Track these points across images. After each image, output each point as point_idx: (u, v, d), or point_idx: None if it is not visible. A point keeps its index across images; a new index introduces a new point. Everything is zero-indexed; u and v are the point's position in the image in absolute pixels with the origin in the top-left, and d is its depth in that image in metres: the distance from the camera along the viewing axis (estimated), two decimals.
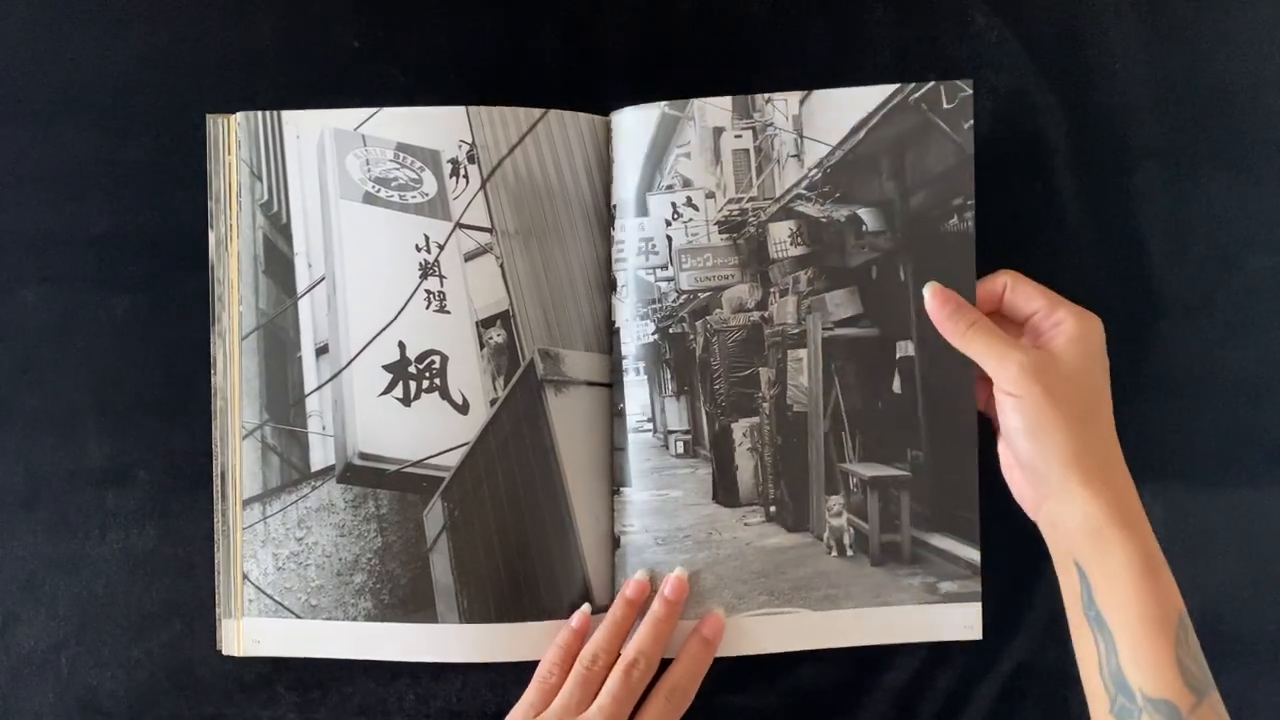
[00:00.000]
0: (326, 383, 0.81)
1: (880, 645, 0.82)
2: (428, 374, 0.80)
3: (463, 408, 0.81)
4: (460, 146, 0.81)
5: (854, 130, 0.81)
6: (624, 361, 0.82)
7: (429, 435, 0.80)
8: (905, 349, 0.81)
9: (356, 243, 0.81)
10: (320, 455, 0.80)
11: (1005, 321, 0.78)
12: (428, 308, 0.81)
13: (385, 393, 0.80)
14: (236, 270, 0.82)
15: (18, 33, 0.85)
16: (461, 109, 0.81)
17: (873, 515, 0.81)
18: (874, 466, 0.81)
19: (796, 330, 0.82)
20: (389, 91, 0.85)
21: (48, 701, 0.84)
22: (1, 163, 0.84)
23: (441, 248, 0.81)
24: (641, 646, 0.77)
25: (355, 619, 0.80)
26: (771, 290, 0.82)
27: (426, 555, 0.80)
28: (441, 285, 0.81)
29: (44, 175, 0.84)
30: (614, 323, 0.83)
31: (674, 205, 0.82)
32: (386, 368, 0.80)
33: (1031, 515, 0.77)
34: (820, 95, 0.81)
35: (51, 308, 0.84)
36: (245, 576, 0.81)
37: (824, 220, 0.81)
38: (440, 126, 0.81)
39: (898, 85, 0.80)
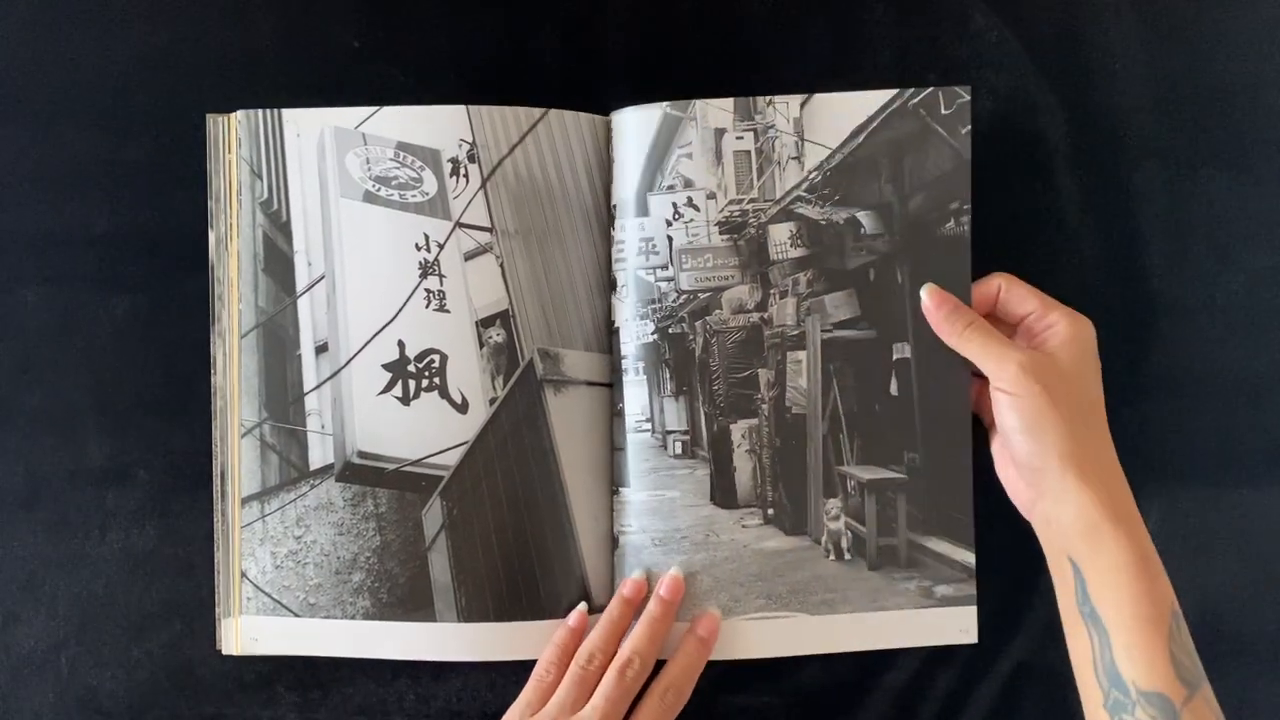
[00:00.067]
0: (326, 381, 0.81)
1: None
2: (427, 373, 0.80)
3: (462, 407, 0.81)
4: (460, 146, 0.81)
5: (853, 134, 0.81)
6: (623, 361, 0.82)
7: (428, 434, 0.80)
8: (902, 351, 0.81)
9: (356, 241, 0.81)
10: (319, 454, 0.81)
11: (998, 323, 0.79)
12: (427, 307, 0.81)
13: (384, 391, 0.80)
14: (236, 269, 0.82)
15: (18, 33, 0.85)
16: (462, 108, 0.81)
17: (870, 518, 0.81)
18: (871, 469, 0.81)
19: (796, 332, 0.82)
20: (389, 91, 0.85)
21: (48, 701, 0.84)
22: (1, 163, 0.84)
23: (441, 247, 0.81)
24: (637, 646, 0.77)
25: (353, 617, 0.80)
26: (771, 291, 0.82)
27: (425, 554, 0.80)
28: (441, 284, 0.81)
29: (44, 175, 0.84)
30: (614, 323, 0.83)
31: (675, 205, 0.82)
32: (386, 366, 0.80)
33: (1025, 514, 0.77)
34: (821, 98, 0.81)
35: (51, 308, 0.84)
36: (243, 575, 0.81)
37: (823, 222, 0.82)
38: (440, 126, 0.81)
39: (897, 90, 0.80)
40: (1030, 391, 0.72)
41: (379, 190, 0.81)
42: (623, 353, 0.83)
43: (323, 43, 0.85)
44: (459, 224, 0.81)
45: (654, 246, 0.82)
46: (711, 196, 0.82)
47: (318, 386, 0.81)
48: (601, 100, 0.83)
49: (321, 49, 0.85)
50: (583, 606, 0.80)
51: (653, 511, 0.81)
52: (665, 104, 0.81)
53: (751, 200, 0.82)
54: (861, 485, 0.81)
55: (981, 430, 0.81)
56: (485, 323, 0.81)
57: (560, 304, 0.82)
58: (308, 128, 0.81)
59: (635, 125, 0.82)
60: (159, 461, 0.84)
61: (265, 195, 0.82)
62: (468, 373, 0.81)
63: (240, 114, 0.82)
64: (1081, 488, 0.71)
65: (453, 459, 0.80)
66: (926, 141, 0.81)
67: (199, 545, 0.83)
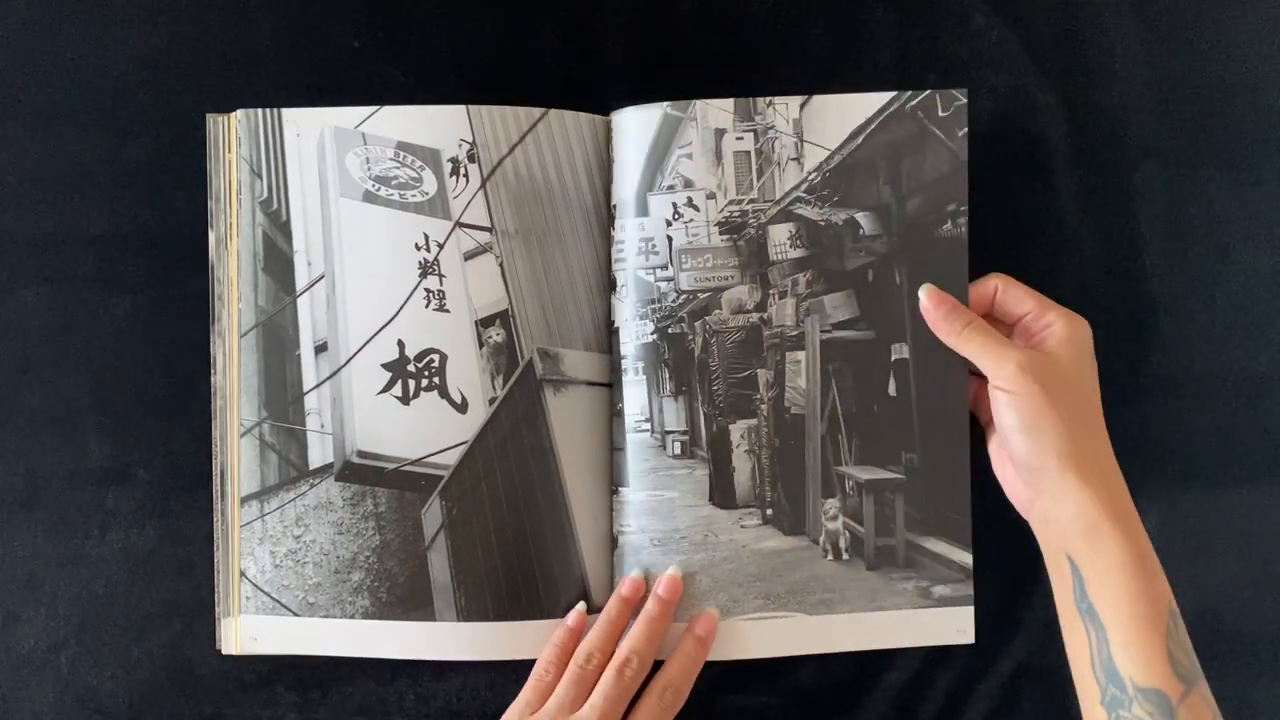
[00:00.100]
0: (325, 380, 0.81)
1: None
2: (427, 372, 0.80)
3: (461, 406, 0.81)
4: (460, 145, 0.81)
5: (852, 135, 0.81)
6: (623, 361, 0.82)
7: (427, 434, 0.80)
8: (900, 352, 0.81)
9: (356, 241, 0.81)
10: (318, 453, 0.80)
11: (995, 324, 0.79)
12: (427, 306, 0.81)
13: (384, 391, 0.80)
14: (236, 269, 0.82)
15: (18, 33, 0.85)
16: (462, 108, 0.81)
17: (868, 519, 0.82)
18: (870, 469, 0.81)
19: (795, 332, 0.82)
20: (389, 91, 0.85)
21: (48, 701, 0.84)
22: (1, 163, 0.84)
23: (441, 247, 0.81)
24: (635, 645, 0.77)
25: (353, 617, 0.80)
26: (771, 292, 0.82)
27: (424, 553, 0.80)
28: (441, 284, 0.81)
29: (44, 175, 0.84)
30: (613, 322, 0.83)
31: (675, 205, 0.82)
32: (385, 366, 0.80)
33: (1023, 512, 0.77)
34: (820, 100, 0.81)
35: (51, 308, 0.84)
36: (242, 574, 0.81)
37: (822, 223, 0.82)
38: (440, 125, 0.81)
39: (895, 93, 0.81)
40: (1029, 390, 0.72)
41: (379, 190, 0.81)
42: (622, 353, 0.83)
43: (323, 43, 0.85)
44: (459, 224, 0.82)
45: (654, 246, 0.82)
46: (711, 197, 0.82)
47: (317, 386, 0.81)
48: (601, 100, 0.83)
49: (321, 49, 0.85)
50: (581, 606, 0.80)
51: (652, 511, 0.81)
52: (665, 104, 0.81)
53: (751, 201, 0.82)
54: (860, 485, 0.81)
55: (978, 430, 0.81)
56: (485, 322, 0.81)
57: (560, 304, 0.82)
58: (308, 127, 0.81)
59: (635, 125, 0.82)
60: (159, 461, 0.84)
61: (265, 195, 0.82)
62: (467, 372, 0.81)
63: (240, 113, 0.82)
64: (1081, 487, 0.71)
65: (452, 459, 0.80)
66: (924, 144, 0.81)
67: (199, 545, 0.83)
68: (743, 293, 0.82)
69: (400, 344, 0.80)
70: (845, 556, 0.81)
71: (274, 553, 0.81)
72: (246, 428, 0.81)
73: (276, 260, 0.82)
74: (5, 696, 0.84)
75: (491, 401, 0.81)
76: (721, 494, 0.82)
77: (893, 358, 0.81)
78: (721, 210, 0.82)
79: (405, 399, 0.80)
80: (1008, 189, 0.86)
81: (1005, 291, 0.78)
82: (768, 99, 0.82)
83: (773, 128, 0.82)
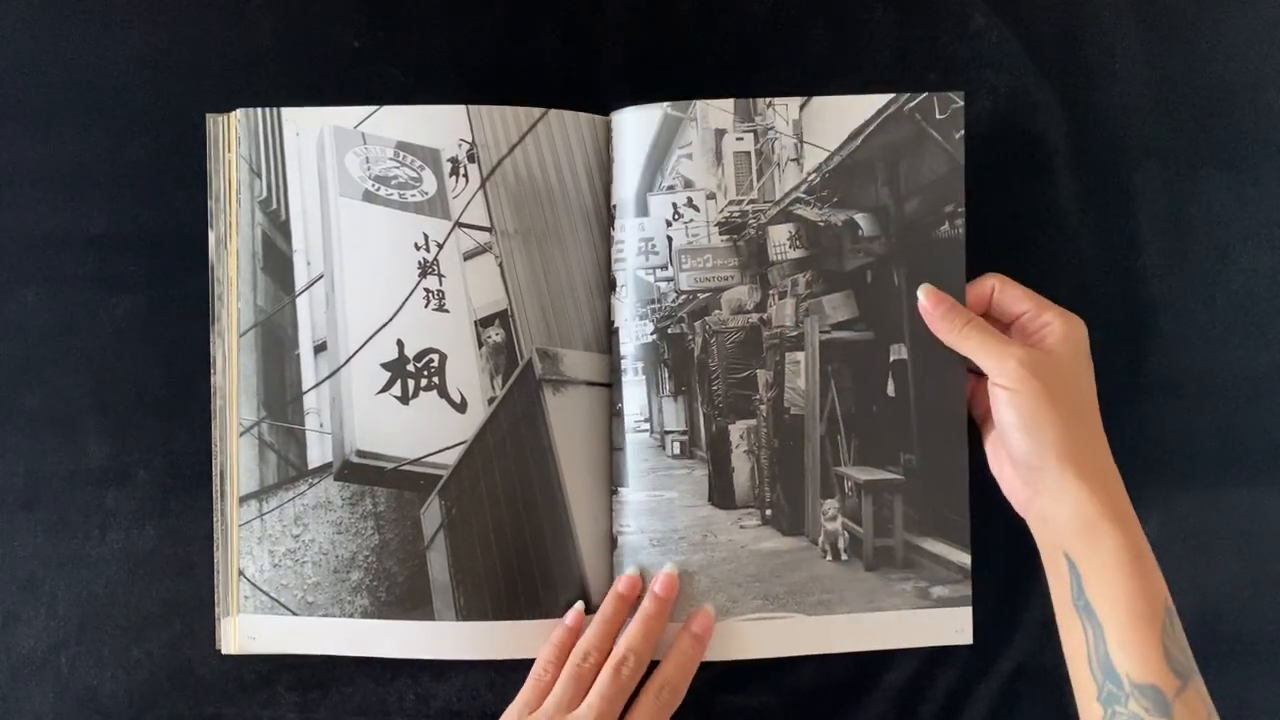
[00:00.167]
0: (324, 380, 0.81)
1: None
2: (426, 372, 0.80)
3: (461, 406, 0.81)
4: (460, 145, 0.81)
5: (850, 137, 0.81)
6: (622, 361, 0.82)
7: (427, 433, 0.80)
8: (899, 352, 0.81)
9: (355, 241, 0.81)
10: (318, 452, 0.80)
11: (992, 323, 0.79)
12: (426, 306, 0.81)
13: (383, 391, 0.80)
14: (235, 268, 0.82)
15: (18, 33, 0.85)
16: (461, 108, 0.82)
17: (867, 519, 0.82)
18: (868, 470, 0.81)
19: (795, 333, 0.82)
20: (389, 91, 0.85)
21: (48, 701, 0.84)
22: (1, 163, 0.84)
23: (441, 246, 0.81)
24: (631, 643, 0.77)
25: (352, 616, 0.80)
26: (771, 292, 0.82)
27: (424, 553, 0.80)
28: (440, 284, 0.81)
29: (44, 175, 0.84)
30: (613, 323, 0.83)
31: (675, 206, 0.82)
32: (385, 366, 0.80)
33: (1020, 511, 0.77)
34: (819, 101, 0.82)
35: (51, 308, 0.84)
36: (241, 573, 0.81)
37: (822, 224, 0.82)
38: (440, 125, 0.81)
39: (893, 95, 0.81)
40: (1030, 388, 0.72)
41: (378, 190, 0.81)
42: (622, 353, 0.83)
43: (323, 43, 0.85)
44: (458, 224, 0.82)
45: (654, 247, 0.82)
46: (711, 197, 0.82)
47: (316, 385, 0.81)
48: (601, 100, 0.83)
49: (321, 49, 0.85)
50: (579, 605, 0.80)
51: (651, 512, 0.81)
52: (665, 104, 0.81)
53: (751, 201, 0.82)
54: (858, 486, 0.81)
55: (975, 430, 0.81)
56: (484, 322, 0.81)
57: (559, 304, 0.82)
58: (307, 127, 0.82)
59: (635, 125, 0.82)
60: (159, 461, 0.84)
61: (264, 194, 0.82)
62: (466, 372, 0.81)
63: (240, 113, 0.82)
64: (1079, 485, 0.71)
65: (451, 458, 0.80)
66: (922, 146, 0.81)
67: (199, 545, 0.83)
68: (742, 293, 0.82)
69: (399, 344, 0.80)
70: (844, 557, 0.81)
71: (273, 552, 0.81)
72: (245, 427, 0.81)
73: (276, 260, 0.82)
74: (5, 696, 0.84)
75: (491, 401, 0.81)
76: (721, 494, 0.82)
77: (891, 358, 0.81)
78: (721, 211, 0.82)
79: (404, 399, 0.80)
80: (1007, 189, 0.86)
81: (1002, 291, 0.78)
82: (767, 100, 0.82)
83: (772, 128, 0.82)
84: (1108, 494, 0.71)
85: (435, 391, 0.80)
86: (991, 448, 0.80)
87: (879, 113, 0.81)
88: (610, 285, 0.83)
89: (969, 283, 0.80)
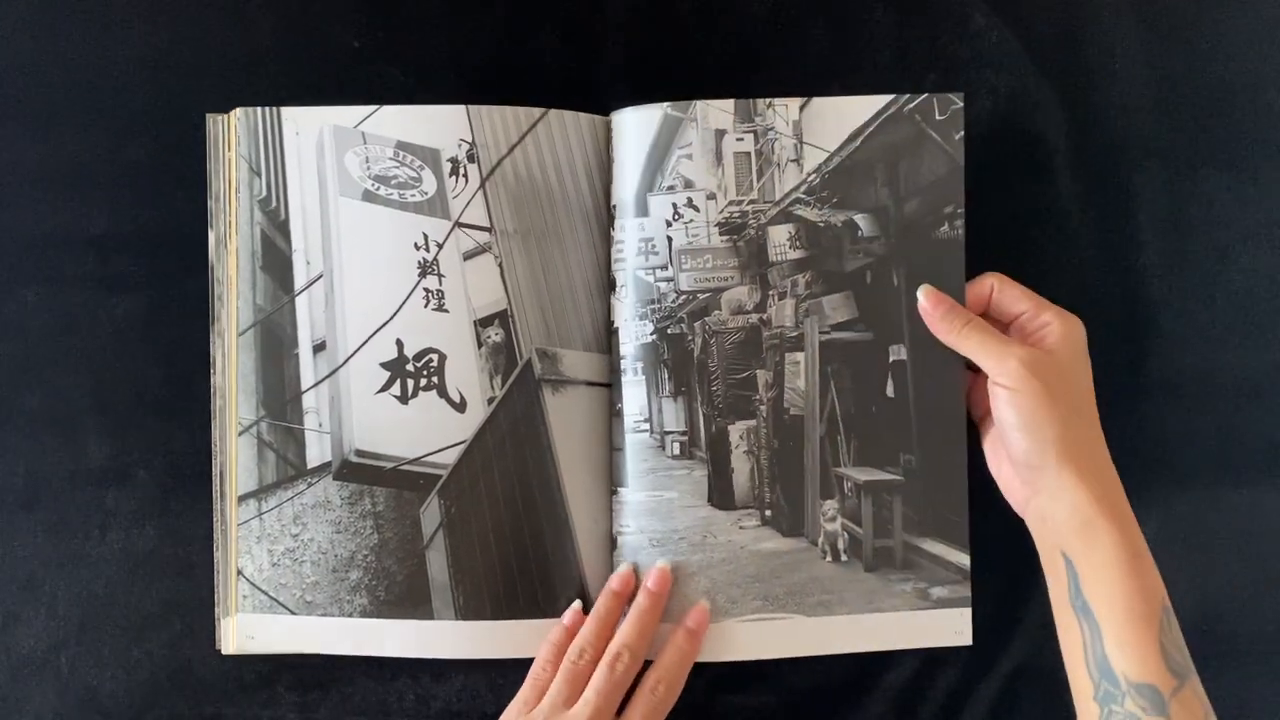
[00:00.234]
0: (324, 379, 0.81)
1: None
2: (425, 372, 0.80)
3: (460, 406, 0.81)
4: (460, 145, 0.81)
5: (850, 138, 0.81)
6: (622, 362, 0.82)
7: (426, 433, 0.80)
8: (898, 353, 0.81)
9: (355, 240, 0.81)
10: (317, 452, 0.80)
11: (991, 323, 0.78)
12: (426, 306, 0.81)
13: (383, 390, 0.80)
14: (235, 268, 0.82)
15: (18, 33, 0.85)
16: (461, 108, 0.82)
17: (866, 520, 0.82)
18: (868, 471, 0.81)
19: (794, 333, 0.82)
20: (389, 91, 0.85)
21: (48, 701, 0.84)
22: (1, 163, 0.85)
23: (440, 246, 0.81)
24: (625, 640, 0.77)
25: (350, 615, 0.80)
26: (770, 293, 0.82)
27: (423, 552, 0.80)
28: (440, 284, 0.81)
29: (44, 175, 0.84)
30: (612, 323, 0.83)
31: (675, 206, 0.82)
32: (384, 365, 0.80)
33: (1019, 510, 0.77)
34: (819, 102, 0.82)
35: (51, 308, 0.84)
36: (239, 572, 0.81)
37: (822, 225, 0.82)
38: (440, 125, 0.81)
39: (893, 96, 0.81)
40: (1030, 387, 0.72)
41: (378, 189, 0.81)
42: (621, 353, 0.83)
43: (323, 43, 0.85)
44: (458, 224, 0.82)
45: (653, 247, 0.82)
46: (711, 197, 0.82)
47: (315, 385, 0.81)
48: (601, 100, 0.83)
49: (321, 49, 0.85)
50: (577, 605, 0.80)
51: (650, 512, 0.81)
52: (666, 105, 0.81)
53: (751, 201, 0.82)
54: (858, 487, 0.81)
55: (974, 429, 0.81)
56: (484, 322, 0.81)
57: (559, 304, 0.82)
58: (307, 126, 0.82)
59: (635, 126, 0.82)
60: (159, 461, 0.84)
61: (264, 193, 0.82)
62: (466, 372, 0.81)
63: (239, 112, 0.82)
64: (1078, 484, 0.71)
65: (451, 458, 0.80)
66: (921, 146, 0.81)
67: (199, 545, 0.83)
68: (742, 293, 0.82)
69: (399, 343, 0.80)
70: (843, 558, 0.81)
71: (272, 551, 0.81)
72: (244, 426, 0.81)
73: (275, 259, 0.82)
74: (5, 696, 0.84)
75: (490, 401, 0.81)
76: (720, 495, 0.82)
77: (891, 359, 0.81)
78: (721, 211, 0.82)
79: (404, 398, 0.80)
80: (1007, 189, 0.86)
81: (1001, 291, 0.78)
82: (767, 100, 0.82)
83: (772, 129, 0.82)
84: (1106, 493, 0.71)
85: (434, 391, 0.80)
86: (990, 447, 0.80)
87: (879, 113, 0.81)
88: (610, 285, 0.83)
89: (968, 283, 0.80)
